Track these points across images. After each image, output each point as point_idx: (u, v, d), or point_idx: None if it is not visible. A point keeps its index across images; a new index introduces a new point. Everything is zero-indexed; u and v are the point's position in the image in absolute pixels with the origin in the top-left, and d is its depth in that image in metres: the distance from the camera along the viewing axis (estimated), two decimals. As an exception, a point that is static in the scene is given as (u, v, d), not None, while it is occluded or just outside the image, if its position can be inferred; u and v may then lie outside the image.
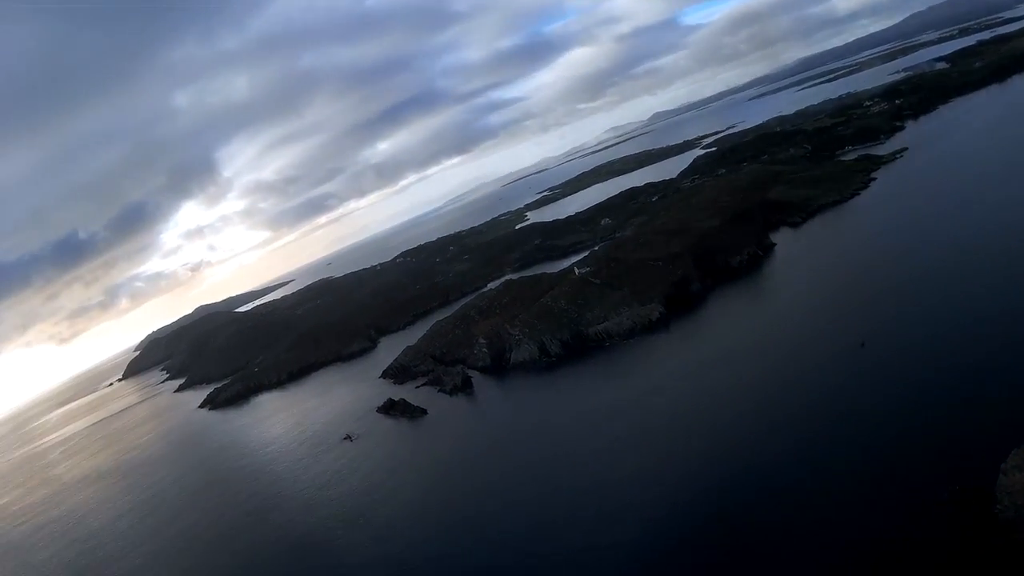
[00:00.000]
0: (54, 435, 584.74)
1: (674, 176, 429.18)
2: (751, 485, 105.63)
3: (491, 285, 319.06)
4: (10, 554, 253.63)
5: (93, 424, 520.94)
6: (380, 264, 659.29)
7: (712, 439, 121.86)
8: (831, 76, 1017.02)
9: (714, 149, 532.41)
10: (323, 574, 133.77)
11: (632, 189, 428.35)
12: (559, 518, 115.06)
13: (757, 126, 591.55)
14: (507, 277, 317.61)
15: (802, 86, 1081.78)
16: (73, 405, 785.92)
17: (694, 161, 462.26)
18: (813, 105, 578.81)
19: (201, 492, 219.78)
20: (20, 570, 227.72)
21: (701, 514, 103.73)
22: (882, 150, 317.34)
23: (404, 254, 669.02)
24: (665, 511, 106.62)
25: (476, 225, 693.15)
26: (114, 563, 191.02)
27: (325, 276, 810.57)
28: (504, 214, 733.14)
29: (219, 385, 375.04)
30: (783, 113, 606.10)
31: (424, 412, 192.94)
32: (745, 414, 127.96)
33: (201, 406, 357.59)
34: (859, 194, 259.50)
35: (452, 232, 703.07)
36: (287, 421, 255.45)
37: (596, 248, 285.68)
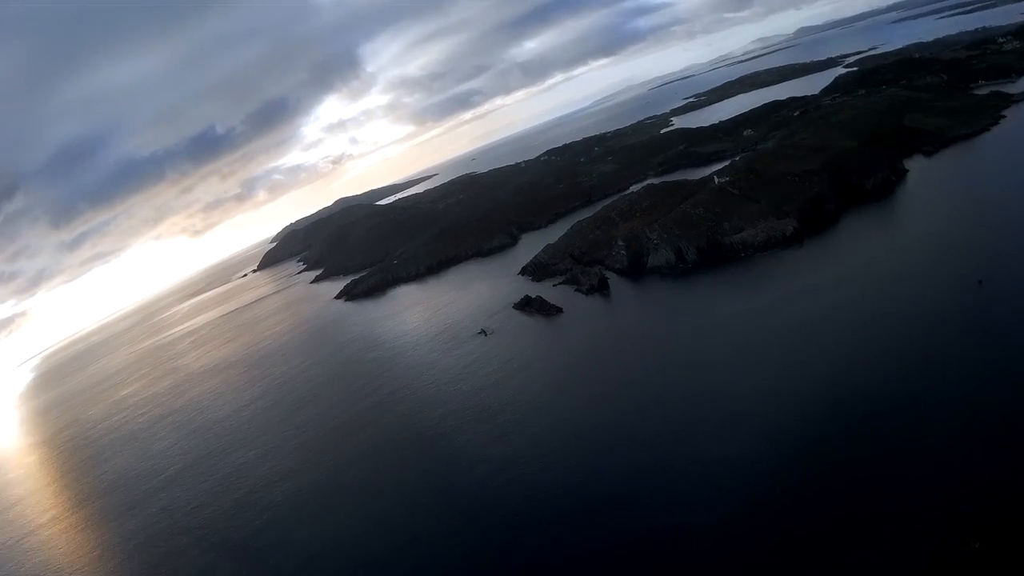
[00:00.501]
0: (184, 326, 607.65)
1: (816, 93, 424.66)
2: (864, 409, 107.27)
3: (633, 188, 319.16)
4: (130, 444, 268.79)
5: (224, 315, 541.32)
6: (524, 162, 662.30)
7: (832, 360, 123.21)
8: (968, 8, 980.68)
9: (855, 69, 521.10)
10: (445, 467, 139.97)
11: (775, 102, 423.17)
12: (680, 426, 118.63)
13: (897, 50, 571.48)
14: (649, 181, 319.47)
15: (941, 14, 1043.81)
16: (205, 296, 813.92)
17: (836, 79, 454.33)
18: (950, 35, 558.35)
19: (330, 383, 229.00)
20: (139, 460, 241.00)
21: (815, 433, 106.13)
22: (1012, 88, 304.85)
23: (548, 153, 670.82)
24: (782, 425, 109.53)
25: (621, 127, 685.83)
26: (232, 453, 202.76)
27: (469, 171, 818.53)
28: (649, 118, 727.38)
29: (357, 277, 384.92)
30: (922, 40, 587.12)
31: (560, 310, 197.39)
32: (869, 337, 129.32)
33: (337, 297, 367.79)
34: (989, 130, 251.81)
35: (597, 133, 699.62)
36: (423, 314, 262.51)
37: (736, 159, 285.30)
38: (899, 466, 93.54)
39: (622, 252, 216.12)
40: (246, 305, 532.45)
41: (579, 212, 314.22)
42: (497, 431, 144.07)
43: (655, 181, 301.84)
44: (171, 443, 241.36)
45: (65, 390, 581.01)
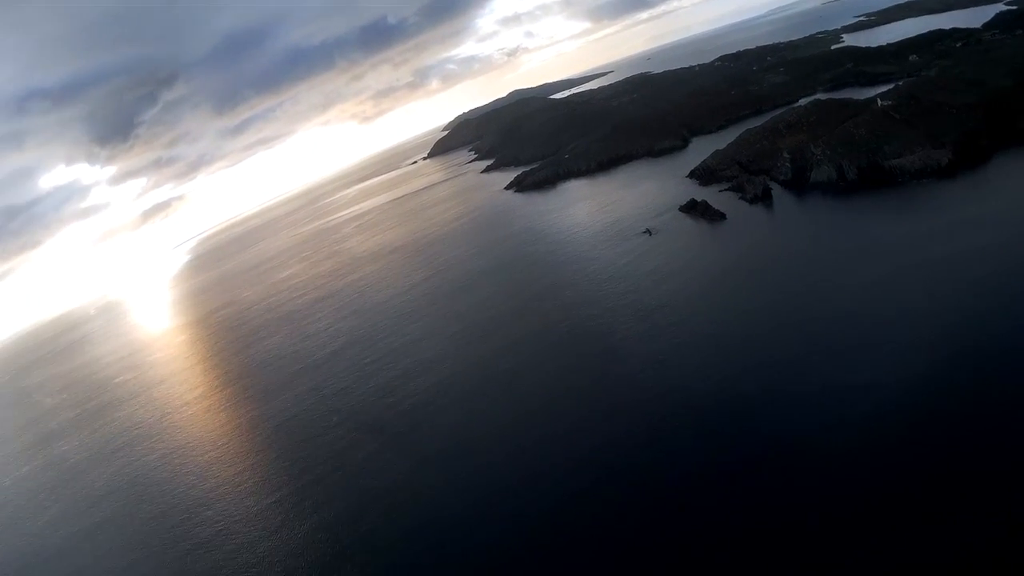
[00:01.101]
0: (349, 210, 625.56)
1: (978, 26, 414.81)
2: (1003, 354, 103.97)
3: (801, 101, 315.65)
4: (286, 325, 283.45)
5: (392, 201, 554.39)
6: (698, 65, 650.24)
7: (978, 298, 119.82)
8: None
9: (1014, 8, 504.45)
10: (596, 361, 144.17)
11: (939, 31, 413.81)
12: (821, 346, 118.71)
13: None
14: (816, 96, 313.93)
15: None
16: (372, 182, 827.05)
17: (996, 15, 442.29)
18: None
19: (491, 273, 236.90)
20: (293, 341, 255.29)
21: (952, 370, 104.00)
22: None
23: (722, 58, 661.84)
24: (924, 358, 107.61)
25: (794, 39, 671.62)
26: (387, 337, 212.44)
27: (643, 71, 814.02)
28: (821, 32, 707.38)
29: (527, 169, 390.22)
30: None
31: (723, 217, 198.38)
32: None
33: (507, 188, 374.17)
34: None
35: (770, 43, 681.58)
36: (590, 209, 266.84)
37: (900, 83, 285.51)
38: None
39: (787, 164, 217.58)
40: (414, 192, 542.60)
41: (749, 120, 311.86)
42: (648, 331, 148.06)
43: (822, 97, 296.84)
44: (327, 325, 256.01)
45: (223, 271, 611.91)
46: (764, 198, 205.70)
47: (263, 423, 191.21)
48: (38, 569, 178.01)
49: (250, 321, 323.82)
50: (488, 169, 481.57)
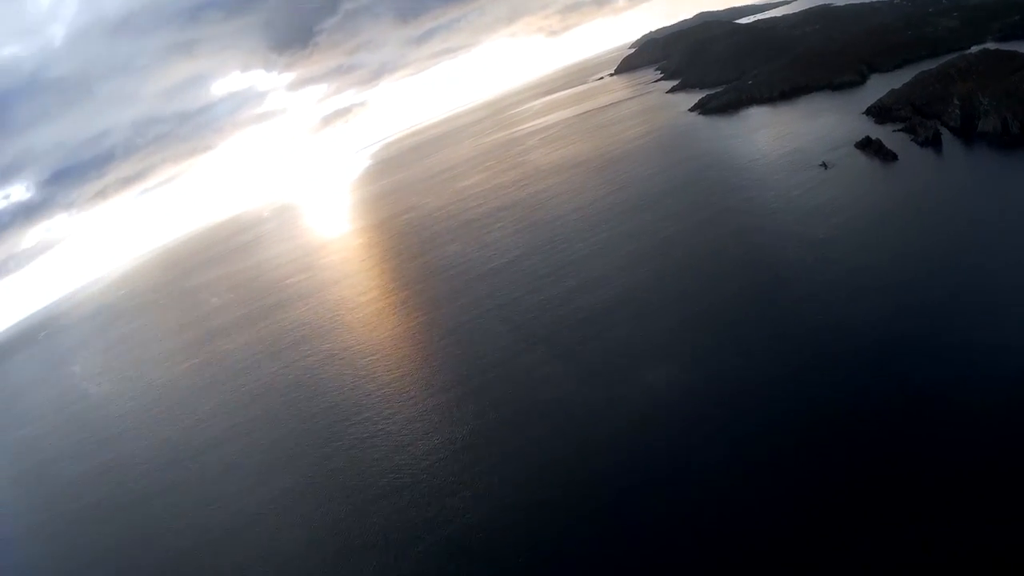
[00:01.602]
0: (533, 123, 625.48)
1: None
2: None
3: (972, 49, 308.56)
4: (463, 234, 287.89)
5: (577, 115, 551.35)
6: (879, 1, 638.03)
7: None
8: None
9: None
10: (761, 289, 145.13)
11: None
12: (971, 301, 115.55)
13: None
14: (986, 45, 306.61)
15: None
16: (558, 95, 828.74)
17: None
18: None
19: (669, 193, 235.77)
20: (470, 248, 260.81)
21: None
22: None
23: None
24: None
25: None
26: (563, 250, 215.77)
27: (825, 2, 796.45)
28: None
29: (711, 92, 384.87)
30: None
31: (895, 157, 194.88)
32: None
33: (691, 110, 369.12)
34: None
35: None
36: (769, 137, 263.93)
37: None
38: None
39: (956, 111, 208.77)
40: (599, 108, 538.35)
41: (924, 63, 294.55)
42: (815, 262, 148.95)
43: (991, 46, 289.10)
44: (505, 235, 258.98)
45: (403, 178, 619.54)
46: (934, 142, 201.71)
47: (433, 329, 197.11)
48: (190, 460, 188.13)
49: (429, 228, 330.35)
50: (673, 90, 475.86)
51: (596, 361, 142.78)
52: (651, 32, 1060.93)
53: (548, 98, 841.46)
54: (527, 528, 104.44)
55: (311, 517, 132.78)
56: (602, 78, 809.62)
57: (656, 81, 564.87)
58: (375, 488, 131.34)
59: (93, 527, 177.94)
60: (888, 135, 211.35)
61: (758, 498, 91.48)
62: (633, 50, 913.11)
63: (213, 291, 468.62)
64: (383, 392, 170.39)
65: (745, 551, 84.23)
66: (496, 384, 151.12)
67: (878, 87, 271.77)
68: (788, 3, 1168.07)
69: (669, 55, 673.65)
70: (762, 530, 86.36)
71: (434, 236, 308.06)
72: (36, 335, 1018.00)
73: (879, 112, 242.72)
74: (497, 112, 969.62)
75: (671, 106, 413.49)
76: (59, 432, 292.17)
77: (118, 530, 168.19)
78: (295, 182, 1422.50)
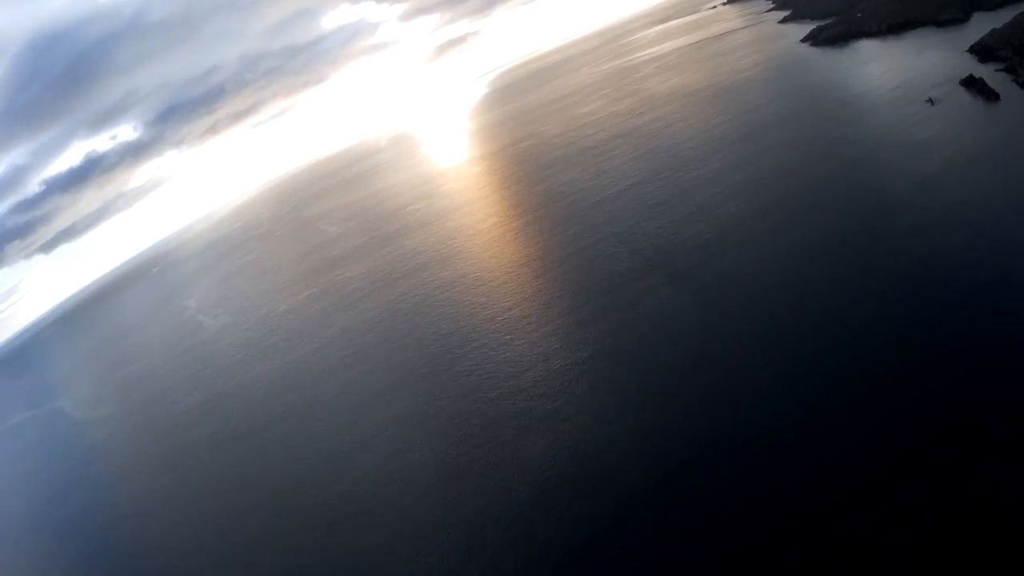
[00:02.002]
0: (648, 51, 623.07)
1: None
2: None
3: None
4: (581, 159, 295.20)
5: (690, 44, 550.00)
6: None
7: None
8: None
9: None
10: (865, 221, 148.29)
11: None
12: None
13: None
14: None
15: None
16: (671, 24, 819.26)
17: None
18: None
19: (779, 124, 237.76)
20: (587, 175, 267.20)
21: None
22: None
23: None
24: None
25: None
26: (677, 178, 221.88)
27: None
28: None
29: (822, 23, 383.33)
30: None
31: (997, 97, 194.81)
32: None
33: (802, 41, 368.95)
34: None
35: None
36: (878, 70, 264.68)
37: None
38: None
39: None
40: (713, 37, 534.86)
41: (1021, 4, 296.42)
42: (919, 197, 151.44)
43: None
44: (621, 163, 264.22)
45: (520, 106, 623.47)
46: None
47: (551, 255, 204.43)
48: (309, 387, 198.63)
49: (547, 155, 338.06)
50: (784, 20, 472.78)
51: (708, 284, 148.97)
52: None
53: (661, 27, 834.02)
54: (644, 453, 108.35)
55: (426, 441, 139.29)
56: (715, 7, 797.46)
57: (768, 11, 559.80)
58: (491, 412, 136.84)
59: (209, 455, 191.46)
60: (991, 74, 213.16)
61: (855, 420, 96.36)
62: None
63: (331, 221, 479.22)
64: (502, 318, 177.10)
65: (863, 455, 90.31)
66: (613, 308, 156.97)
67: (980, 25, 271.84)
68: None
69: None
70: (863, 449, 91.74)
71: (552, 163, 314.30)
72: (148, 271, 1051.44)
73: (982, 51, 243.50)
74: (612, 40, 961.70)
75: (782, 37, 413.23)
76: (173, 365, 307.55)
77: (235, 457, 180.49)
78: (411, 112, 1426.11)
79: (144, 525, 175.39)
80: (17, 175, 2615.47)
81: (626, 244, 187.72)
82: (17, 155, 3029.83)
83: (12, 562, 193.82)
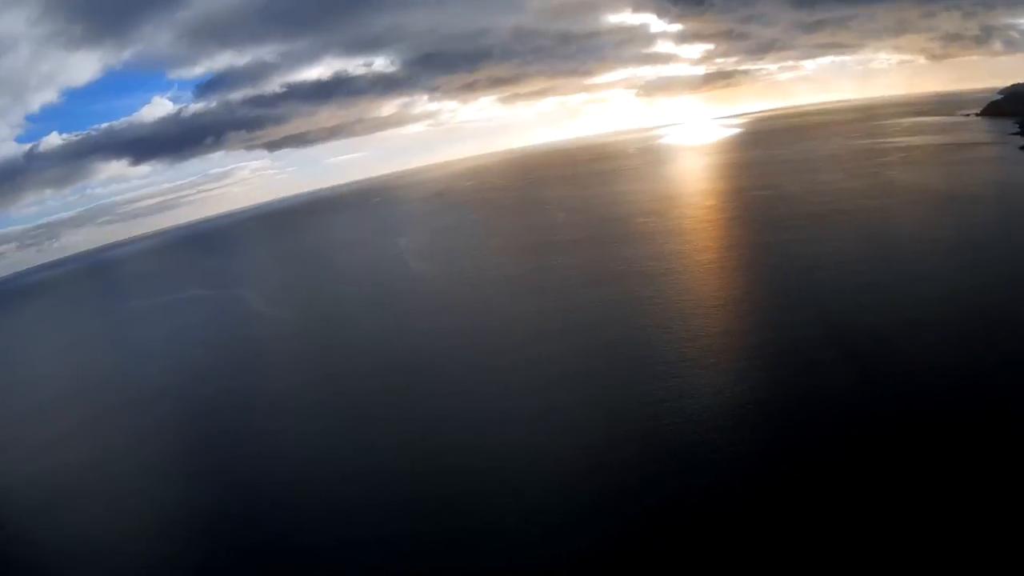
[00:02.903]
0: (896, 139, 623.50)
1: None
2: None
3: None
4: (806, 224, 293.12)
5: (935, 144, 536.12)
6: None
7: None
8: None
9: None
10: None
11: None
12: None
13: None
14: None
15: None
16: (923, 120, 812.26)
17: None
18: None
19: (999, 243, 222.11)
20: (805, 239, 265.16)
21: None
22: None
23: None
24: None
25: None
26: (889, 270, 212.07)
27: None
28: None
29: None
30: None
31: None
32: None
33: None
34: None
35: None
36: None
37: None
38: None
39: None
40: (961, 144, 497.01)
41: None
42: None
43: None
44: (839, 235, 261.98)
45: (766, 155, 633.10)
46: None
47: (751, 304, 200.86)
48: (486, 347, 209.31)
49: (777, 210, 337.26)
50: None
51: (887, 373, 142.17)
52: (1021, 84, 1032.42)
53: (914, 119, 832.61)
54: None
55: (588, 442, 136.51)
56: (968, 115, 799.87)
57: (1013, 133, 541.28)
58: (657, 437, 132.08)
59: (362, 387, 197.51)
60: None
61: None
62: (1001, 96, 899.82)
63: (561, 207, 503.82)
64: (692, 348, 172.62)
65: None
66: (802, 384, 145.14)
67: None
68: None
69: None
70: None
71: (779, 219, 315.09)
72: (369, 199, 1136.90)
73: None
74: (868, 118, 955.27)
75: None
76: (366, 293, 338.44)
77: (394, 396, 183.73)
78: (666, 129, 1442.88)
79: (278, 423, 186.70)
80: (260, 71, 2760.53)
81: (827, 320, 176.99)
82: (265, 52, 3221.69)
83: (140, 423, 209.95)
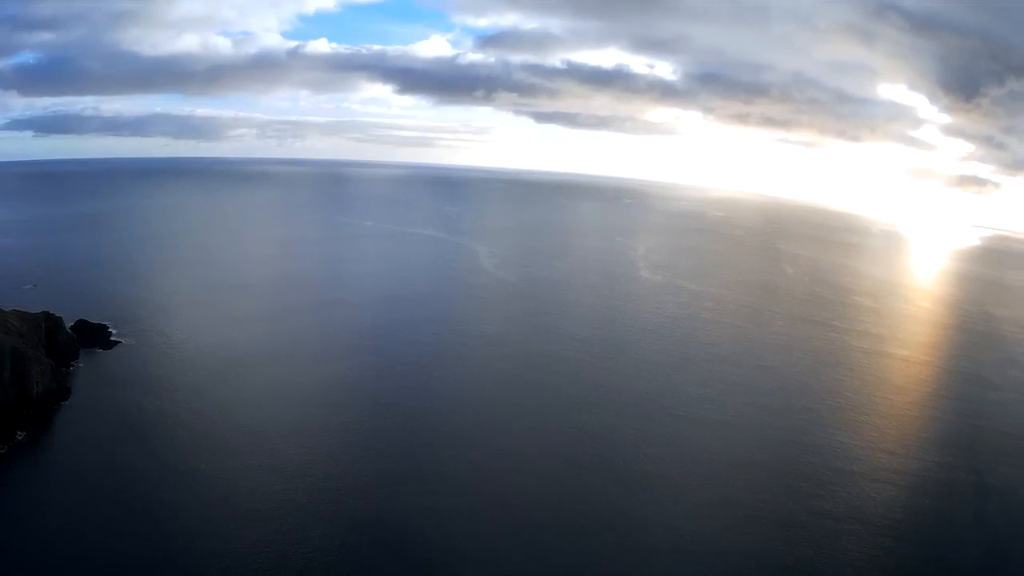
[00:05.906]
0: None
1: None
2: None
3: None
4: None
5: None
6: None
7: None
8: None
9: None
10: None
11: None
12: None
13: None
14: None
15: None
16: None
17: None
18: None
19: None
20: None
21: None
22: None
23: None
24: None
25: None
26: None
27: None
28: None
29: None
30: None
31: None
32: None
33: None
34: None
35: None
36: None
37: None
38: None
39: None
40: None
41: None
42: None
43: None
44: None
45: (999, 276, 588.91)
46: None
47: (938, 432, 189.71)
48: (675, 368, 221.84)
49: (986, 343, 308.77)
50: None
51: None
52: None
53: None
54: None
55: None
56: None
57: None
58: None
59: (549, 370, 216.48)
60: None
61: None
62: None
63: (792, 264, 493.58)
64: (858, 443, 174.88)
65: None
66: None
67: None
68: None
69: None
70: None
71: (985, 350, 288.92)
72: (619, 198, 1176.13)
73: None
74: None
75: None
76: (591, 285, 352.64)
77: (581, 389, 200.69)
78: (907, 217, 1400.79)
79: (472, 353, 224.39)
80: (544, 41, 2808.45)
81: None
82: (553, 23, 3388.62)
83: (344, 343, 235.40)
